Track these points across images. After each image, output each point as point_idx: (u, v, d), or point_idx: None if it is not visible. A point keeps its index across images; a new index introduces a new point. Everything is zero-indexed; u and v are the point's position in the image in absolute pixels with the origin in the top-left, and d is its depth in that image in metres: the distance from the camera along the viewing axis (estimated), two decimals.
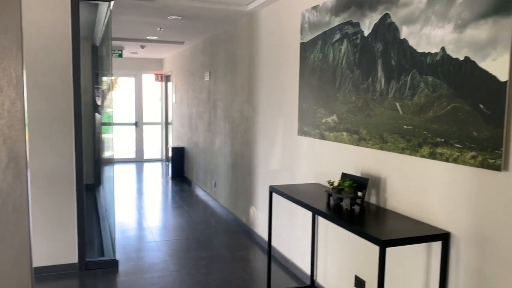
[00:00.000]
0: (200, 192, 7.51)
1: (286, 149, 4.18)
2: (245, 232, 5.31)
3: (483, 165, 2.03)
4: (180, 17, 5.28)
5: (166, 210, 6.47)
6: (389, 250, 2.72)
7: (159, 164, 11.07)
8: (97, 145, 7.32)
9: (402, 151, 2.58)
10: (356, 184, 2.81)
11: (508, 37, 1.90)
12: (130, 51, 9.24)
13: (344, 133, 3.17)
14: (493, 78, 1.98)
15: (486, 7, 2.00)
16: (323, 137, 3.47)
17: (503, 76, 1.93)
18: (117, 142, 11.99)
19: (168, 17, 5.30)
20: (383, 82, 2.75)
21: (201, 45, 7.35)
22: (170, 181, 8.74)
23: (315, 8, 3.56)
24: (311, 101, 3.65)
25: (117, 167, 10.33)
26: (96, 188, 7.49)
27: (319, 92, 3.52)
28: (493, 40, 1.97)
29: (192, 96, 8.04)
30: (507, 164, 1.93)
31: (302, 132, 3.81)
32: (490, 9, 1.98)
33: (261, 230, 4.87)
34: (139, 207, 6.60)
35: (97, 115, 7.09)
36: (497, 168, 1.96)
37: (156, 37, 7.13)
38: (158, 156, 11.88)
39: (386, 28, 2.71)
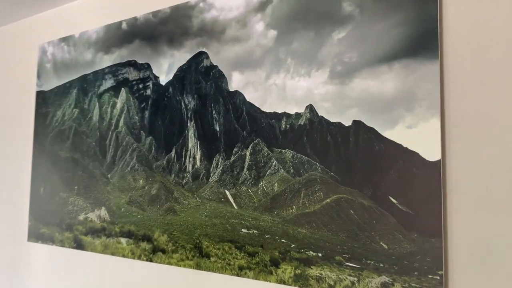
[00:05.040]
0: None
1: (7, 266, 2.47)
2: None
3: None
4: None
5: None
6: None
7: None
8: None
9: (239, 271, 1.53)
10: None
11: (434, 92, 1.19)
12: None
13: (123, 240, 1.90)
14: (412, 154, 1.22)
15: (388, 45, 1.28)
16: (80, 246, 2.07)
17: (431, 153, 1.19)
18: None
19: None
20: (199, 157, 1.69)
21: None
22: None
23: (65, 40, 2.27)
24: (57, 184, 2.22)
25: None
26: None
27: (74, 170, 2.15)
28: (407, 95, 1.24)
29: None
30: None
31: (37, 237, 2.27)
32: (396, 48, 1.26)
33: None
34: None
35: None
36: None
37: None
38: None
39: (203, 74, 1.72)
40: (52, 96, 2.34)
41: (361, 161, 1.32)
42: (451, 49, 1.21)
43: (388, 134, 1.28)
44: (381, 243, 1.26)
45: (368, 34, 1.34)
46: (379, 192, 1.28)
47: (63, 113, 2.27)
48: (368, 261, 1.28)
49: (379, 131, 1.29)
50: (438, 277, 1.17)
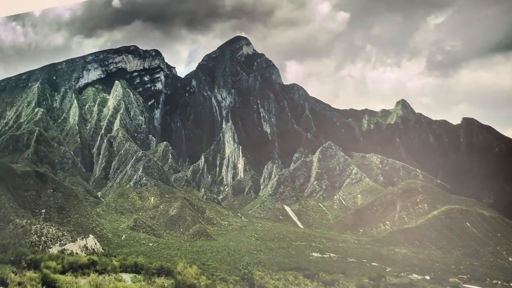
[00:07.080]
0: None
1: None
2: None
3: None
4: None
5: None
6: None
7: None
8: None
9: None
10: None
11: None
12: None
13: (126, 276, 1.46)
14: None
15: (502, 33, 1.11)
16: (51, 286, 1.54)
17: None
18: None
19: None
20: (242, 166, 1.36)
21: None
22: None
23: (18, 19, 1.73)
24: (10, 208, 1.66)
25: None
26: None
27: (39, 188, 1.61)
28: None
29: None
30: None
31: None
32: None
33: None
34: None
35: None
36: None
37: None
38: None
39: (242, 64, 1.38)
40: None
41: (477, 165, 1.13)
42: None
43: (510, 133, 1.10)
44: (510, 258, 1.08)
45: (475, 20, 1.16)
46: (503, 199, 1.10)
47: (16, 114, 1.73)
48: (494, 281, 1.09)
49: (498, 130, 1.11)
50: None
